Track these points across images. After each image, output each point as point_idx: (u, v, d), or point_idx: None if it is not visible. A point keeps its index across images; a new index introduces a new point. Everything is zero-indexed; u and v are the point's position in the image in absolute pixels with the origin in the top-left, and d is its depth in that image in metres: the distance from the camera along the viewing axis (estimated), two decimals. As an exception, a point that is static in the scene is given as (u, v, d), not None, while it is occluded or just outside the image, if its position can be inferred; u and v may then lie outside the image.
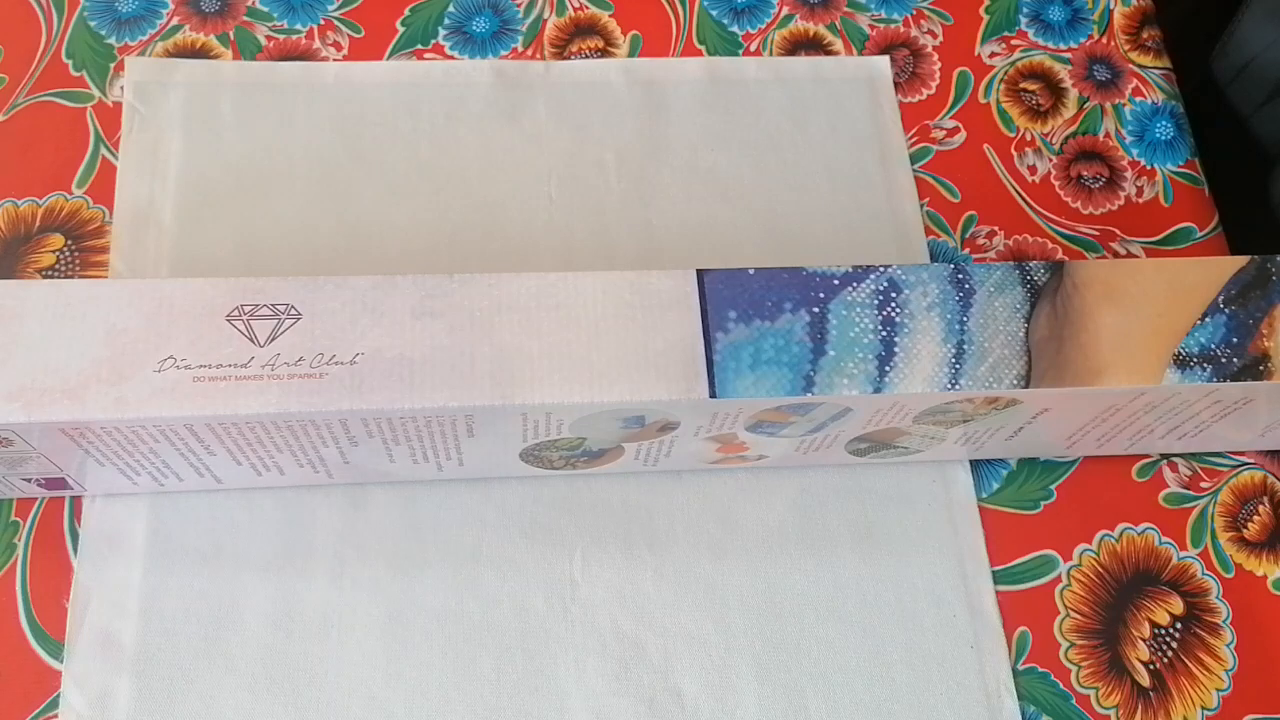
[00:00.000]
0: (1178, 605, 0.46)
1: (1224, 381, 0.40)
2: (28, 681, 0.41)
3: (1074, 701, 0.44)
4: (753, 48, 0.56)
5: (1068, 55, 0.58)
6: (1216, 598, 0.46)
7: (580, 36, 0.56)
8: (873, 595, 0.45)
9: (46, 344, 0.37)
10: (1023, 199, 0.53)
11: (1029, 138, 0.55)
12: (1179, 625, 0.45)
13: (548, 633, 0.43)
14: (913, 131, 0.55)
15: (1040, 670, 0.44)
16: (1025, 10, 0.59)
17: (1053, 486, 0.48)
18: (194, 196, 0.50)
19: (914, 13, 0.58)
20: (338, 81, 0.53)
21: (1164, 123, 0.56)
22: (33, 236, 0.48)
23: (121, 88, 0.52)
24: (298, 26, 0.55)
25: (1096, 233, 0.53)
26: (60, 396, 0.36)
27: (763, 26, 0.57)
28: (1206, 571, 0.46)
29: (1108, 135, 0.56)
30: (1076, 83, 0.57)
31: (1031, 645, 0.45)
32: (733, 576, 0.45)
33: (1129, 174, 0.55)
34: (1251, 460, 0.49)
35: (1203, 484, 0.48)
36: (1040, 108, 0.56)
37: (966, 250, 0.52)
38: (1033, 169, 0.54)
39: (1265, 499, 0.48)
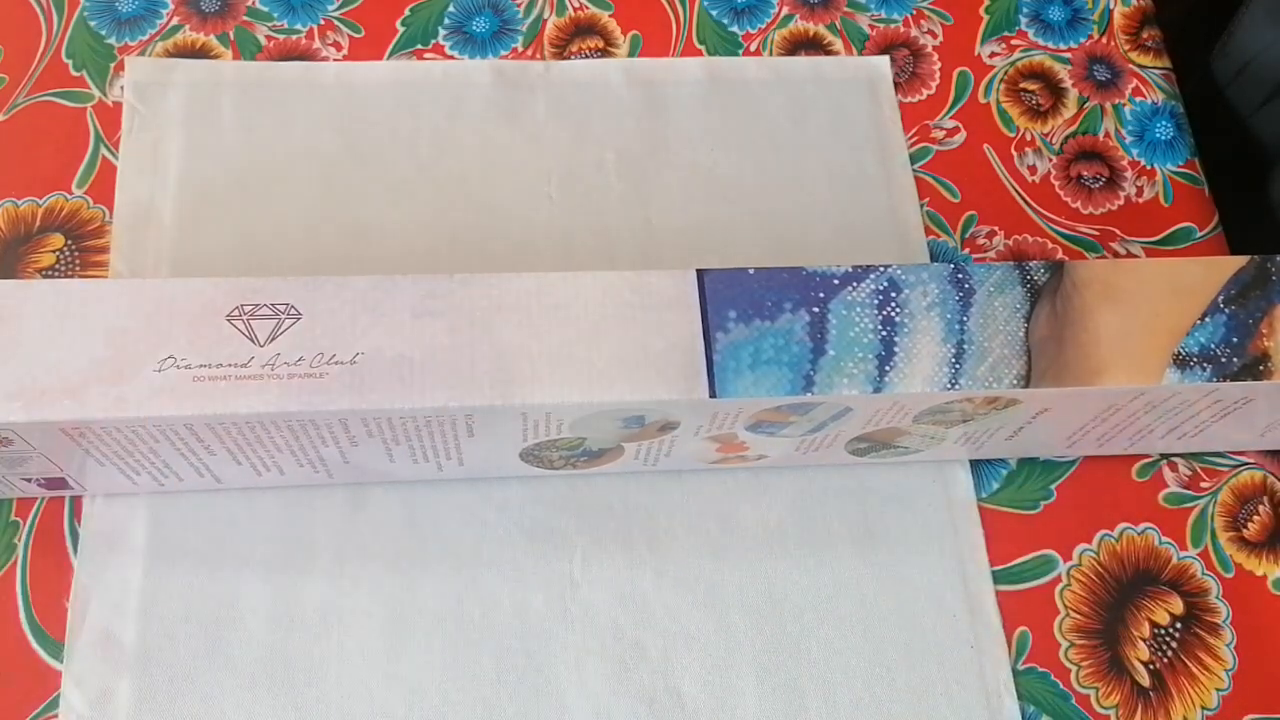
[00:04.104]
0: (1178, 605, 0.46)
1: (1224, 381, 0.40)
2: (28, 681, 0.41)
3: (1074, 701, 0.44)
4: (753, 48, 0.56)
5: (1068, 55, 0.58)
6: (1216, 598, 0.46)
7: (580, 36, 0.56)
8: (873, 595, 0.45)
9: (46, 344, 0.37)
10: (1023, 199, 0.53)
11: (1029, 138, 0.55)
12: (1179, 625, 0.45)
13: (548, 633, 0.43)
14: (913, 131, 0.55)
15: (1040, 670, 0.44)
16: (1025, 10, 0.59)
17: (1053, 486, 0.48)
18: (194, 196, 0.50)
19: (914, 13, 0.58)
20: (338, 81, 0.53)
21: (1164, 123, 0.56)
22: (33, 236, 0.48)
23: (121, 88, 0.52)
24: (298, 26, 0.55)
25: (1096, 233, 0.53)
26: (60, 396, 0.36)
27: (763, 26, 0.57)
28: (1206, 571, 0.46)
29: (1108, 135, 0.56)
30: (1076, 83, 0.57)
31: (1031, 645, 0.45)
32: (733, 576, 0.45)
33: (1129, 174, 0.55)
34: (1251, 460, 0.49)
35: (1203, 484, 0.48)
36: (1040, 108, 0.56)
37: (966, 250, 0.52)
38: (1033, 169, 0.54)
39: (1265, 499, 0.48)
